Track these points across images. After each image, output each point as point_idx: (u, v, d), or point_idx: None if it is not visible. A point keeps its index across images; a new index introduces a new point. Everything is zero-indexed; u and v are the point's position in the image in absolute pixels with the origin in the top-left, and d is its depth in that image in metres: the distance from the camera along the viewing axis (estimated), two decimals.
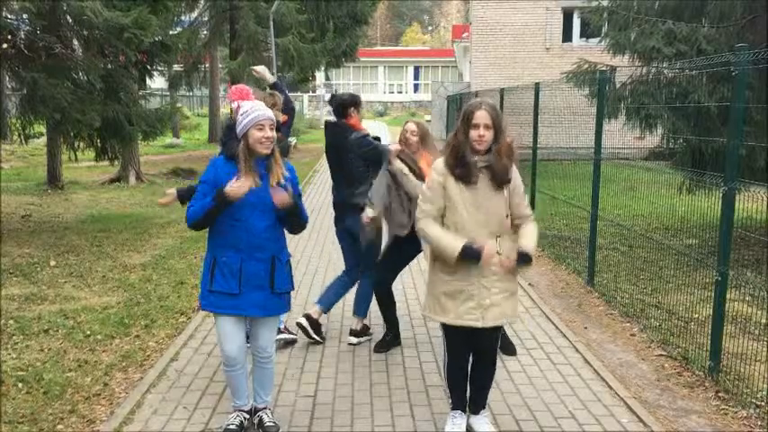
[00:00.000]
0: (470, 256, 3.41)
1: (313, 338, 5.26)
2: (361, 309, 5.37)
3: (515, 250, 3.54)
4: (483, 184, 3.50)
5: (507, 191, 3.56)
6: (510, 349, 5.04)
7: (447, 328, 3.71)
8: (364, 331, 5.41)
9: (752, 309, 5.54)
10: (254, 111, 3.54)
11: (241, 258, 3.56)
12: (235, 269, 3.56)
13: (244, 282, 3.57)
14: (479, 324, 3.53)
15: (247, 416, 3.84)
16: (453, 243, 3.44)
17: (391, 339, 5.19)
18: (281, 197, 3.52)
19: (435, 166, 3.60)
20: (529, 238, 3.59)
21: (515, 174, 3.62)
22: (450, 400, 3.88)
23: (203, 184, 3.60)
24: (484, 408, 3.85)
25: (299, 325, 5.25)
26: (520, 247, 3.53)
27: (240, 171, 3.50)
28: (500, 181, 3.51)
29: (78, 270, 7.34)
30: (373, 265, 5.25)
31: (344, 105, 5.27)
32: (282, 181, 3.58)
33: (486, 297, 3.53)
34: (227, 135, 3.69)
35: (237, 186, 3.41)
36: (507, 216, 3.56)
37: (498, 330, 3.76)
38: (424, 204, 3.58)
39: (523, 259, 3.50)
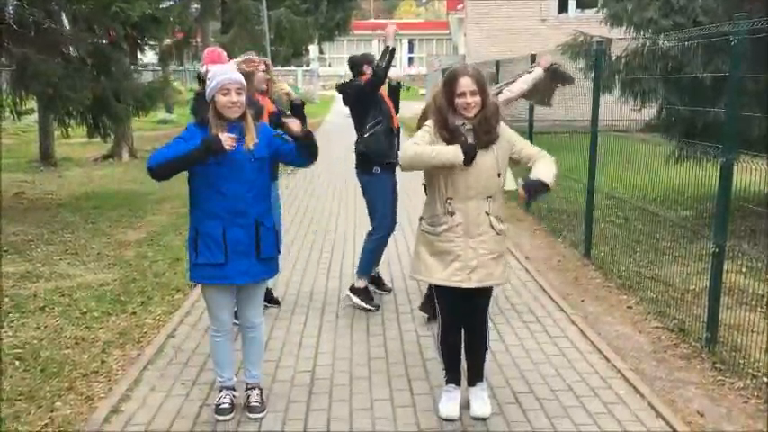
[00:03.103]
0: (471, 151, 3.44)
1: (383, 292, 5.72)
2: (360, 267, 5.50)
3: (503, 210, 3.62)
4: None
5: (497, 149, 3.55)
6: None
7: (438, 290, 3.72)
8: (361, 292, 5.46)
9: (748, 280, 5.55)
10: (219, 74, 3.48)
11: (223, 226, 3.52)
12: (218, 238, 3.53)
13: (230, 250, 3.54)
14: (465, 285, 3.56)
15: (236, 393, 3.84)
16: (452, 149, 3.44)
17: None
18: (294, 125, 3.53)
19: (428, 124, 3.63)
20: (539, 167, 3.58)
21: (505, 130, 3.63)
22: (445, 373, 3.88)
23: (180, 139, 3.50)
24: (481, 380, 3.84)
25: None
26: (531, 176, 3.54)
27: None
28: (485, 142, 3.51)
29: (73, 247, 7.31)
30: (384, 222, 5.40)
31: (357, 64, 5.46)
32: (252, 148, 3.52)
33: (473, 258, 3.55)
34: (197, 103, 3.62)
35: (230, 140, 3.35)
36: (499, 175, 3.57)
37: (486, 294, 3.73)
38: (412, 143, 3.60)
39: (531, 186, 3.48)
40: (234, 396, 3.82)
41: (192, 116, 3.68)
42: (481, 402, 3.77)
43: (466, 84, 3.46)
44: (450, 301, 3.71)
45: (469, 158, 3.41)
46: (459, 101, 3.48)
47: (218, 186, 3.50)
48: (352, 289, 5.47)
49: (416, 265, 3.73)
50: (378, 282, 5.77)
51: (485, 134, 3.52)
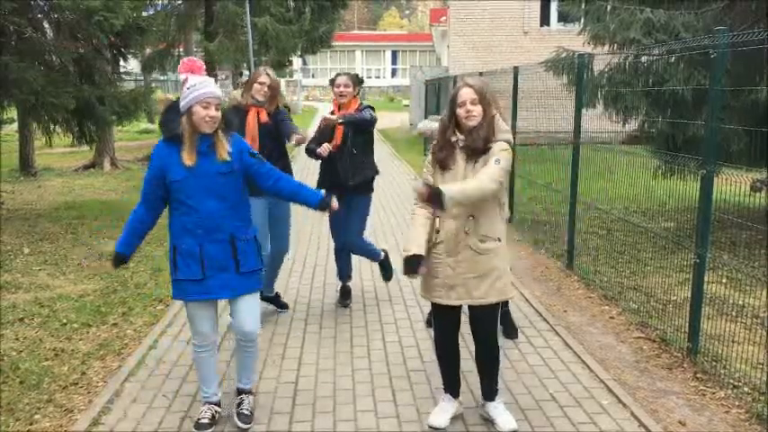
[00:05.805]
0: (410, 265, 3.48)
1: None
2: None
3: (494, 229, 3.55)
4: (461, 164, 3.52)
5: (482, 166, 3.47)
6: (511, 334, 5.04)
7: (432, 304, 3.77)
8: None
9: (729, 290, 5.61)
10: (201, 86, 3.40)
11: (199, 243, 3.50)
12: (195, 254, 3.50)
13: (206, 266, 3.51)
14: (444, 301, 3.61)
15: (219, 408, 3.79)
16: (407, 244, 3.57)
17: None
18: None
19: (427, 159, 3.70)
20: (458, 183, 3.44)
21: (500, 152, 3.44)
22: (442, 380, 3.88)
23: (146, 183, 3.55)
24: (496, 393, 3.80)
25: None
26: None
27: (184, 148, 3.43)
28: (473, 153, 3.49)
29: (53, 258, 7.23)
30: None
31: None
32: (228, 158, 3.49)
33: (451, 277, 3.56)
34: (168, 116, 3.53)
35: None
36: None
37: (485, 308, 3.64)
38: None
39: (432, 195, 3.27)
40: (216, 411, 3.76)
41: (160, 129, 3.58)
42: (505, 417, 3.72)
43: (466, 93, 3.49)
44: (440, 316, 3.74)
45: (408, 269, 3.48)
46: (459, 110, 3.50)
47: (191, 203, 3.47)
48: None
49: (421, 281, 3.76)
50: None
51: (471, 149, 3.50)
